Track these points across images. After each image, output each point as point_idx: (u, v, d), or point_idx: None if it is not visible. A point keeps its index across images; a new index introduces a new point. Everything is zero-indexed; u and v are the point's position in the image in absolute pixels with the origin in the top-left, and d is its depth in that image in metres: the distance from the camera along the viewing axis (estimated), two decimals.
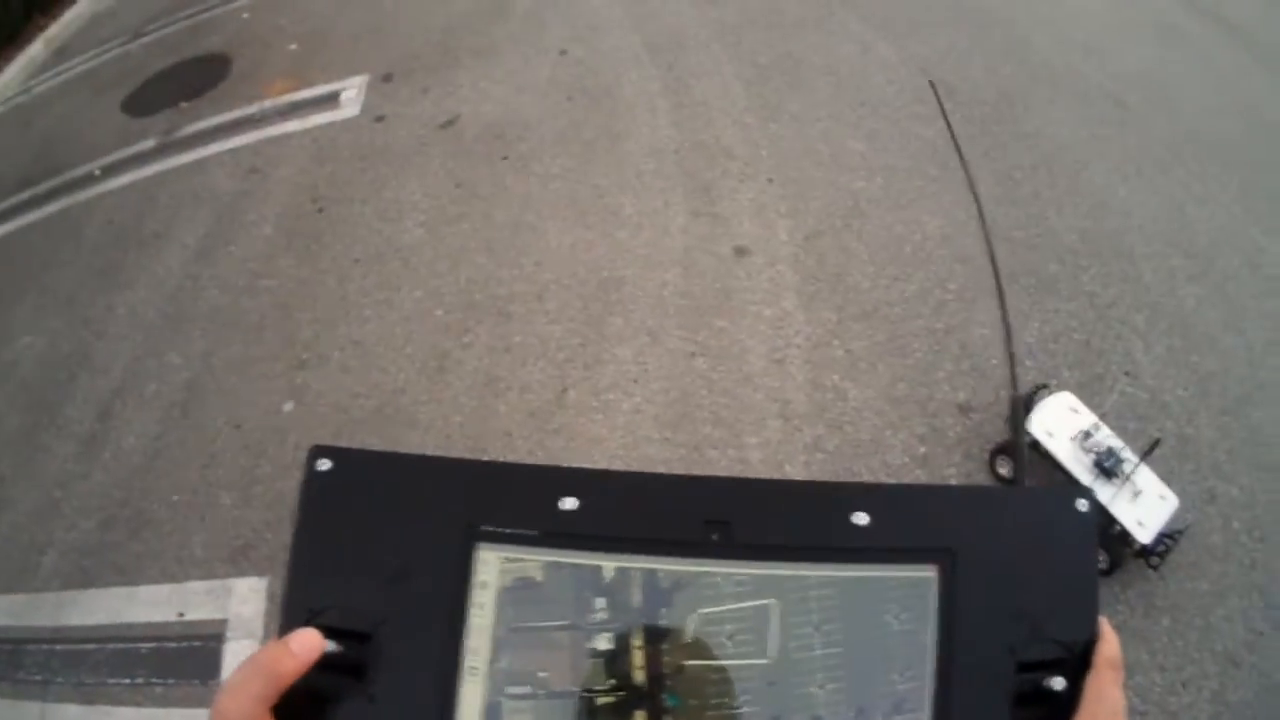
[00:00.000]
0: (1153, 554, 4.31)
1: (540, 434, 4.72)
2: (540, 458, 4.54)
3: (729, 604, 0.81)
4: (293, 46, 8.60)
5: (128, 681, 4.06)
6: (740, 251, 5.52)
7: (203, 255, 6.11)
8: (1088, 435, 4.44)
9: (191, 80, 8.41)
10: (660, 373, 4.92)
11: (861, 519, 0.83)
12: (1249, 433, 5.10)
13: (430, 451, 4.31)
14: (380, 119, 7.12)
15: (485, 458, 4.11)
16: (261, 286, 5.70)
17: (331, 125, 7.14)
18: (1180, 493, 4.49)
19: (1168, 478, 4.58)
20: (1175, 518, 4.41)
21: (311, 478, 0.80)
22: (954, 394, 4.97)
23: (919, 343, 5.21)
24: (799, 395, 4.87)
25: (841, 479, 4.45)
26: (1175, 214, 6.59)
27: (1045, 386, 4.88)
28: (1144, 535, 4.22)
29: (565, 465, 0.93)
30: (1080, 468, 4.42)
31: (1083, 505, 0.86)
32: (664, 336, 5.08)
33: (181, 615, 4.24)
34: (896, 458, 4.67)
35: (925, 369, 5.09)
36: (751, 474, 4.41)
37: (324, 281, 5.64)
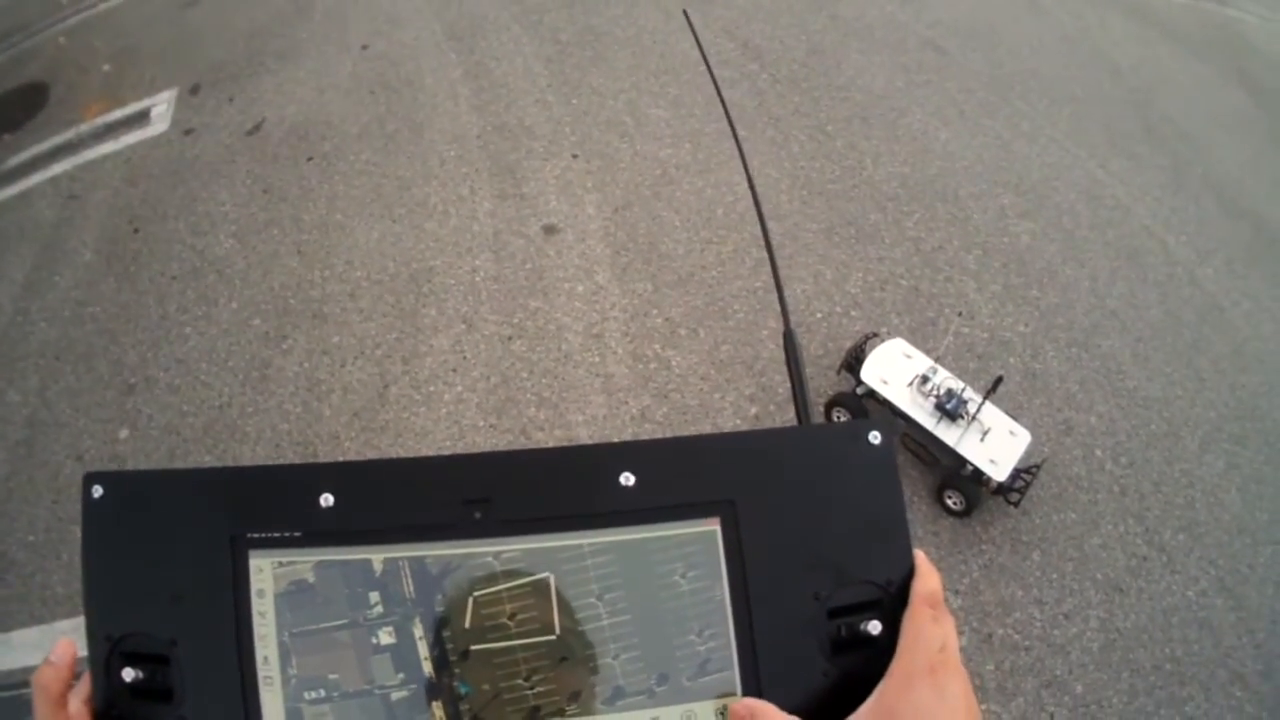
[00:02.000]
0: (1011, 490, 4.39)
1: (366, 433, 4.74)
2: (369, 457, 4.52)
3: (503, 583, 0.80)
4: (106, 68, 8.42)
5: None
6: (549, 230, 5.58)
7: (30, 289, 6.03)
8: (925, 380, 4.50)
9: (12, 112, 8.24)
10: (479, 359, 4.97)
11: (629, 479, 0.82)
12: (1101, 362, 5.27)
13: (260, 461, 4.39)
14: (189, 132, 7.07)
15: (310, 461, 4.12)
16: (87, 314, 5.67)
17: (143, 143, 7.07)
18: (1032, 427, 4.61)
19: (1018, 413, 4.73)
20: (1030, 452, 4.49)
21: (88, 505, 0.79)
22: (779, 351, 4.93)
23: (739, 304, 5.28)
24: (620, 368, 4.94)
25: None
26: (1002, 153, 6.74)
27: (875, 335, 4.95)
28: (998, 473, 4.30)
29: (321, 461, 0.98)
30: (922, 412, 4.49)
31: (875, 437, 0.84)
32: (479, 323, 5.13)
33: None
34: (727, 420, 4.72)
35: (748, 329, 5.16)
36: None
37: (145, 303, 5.62)
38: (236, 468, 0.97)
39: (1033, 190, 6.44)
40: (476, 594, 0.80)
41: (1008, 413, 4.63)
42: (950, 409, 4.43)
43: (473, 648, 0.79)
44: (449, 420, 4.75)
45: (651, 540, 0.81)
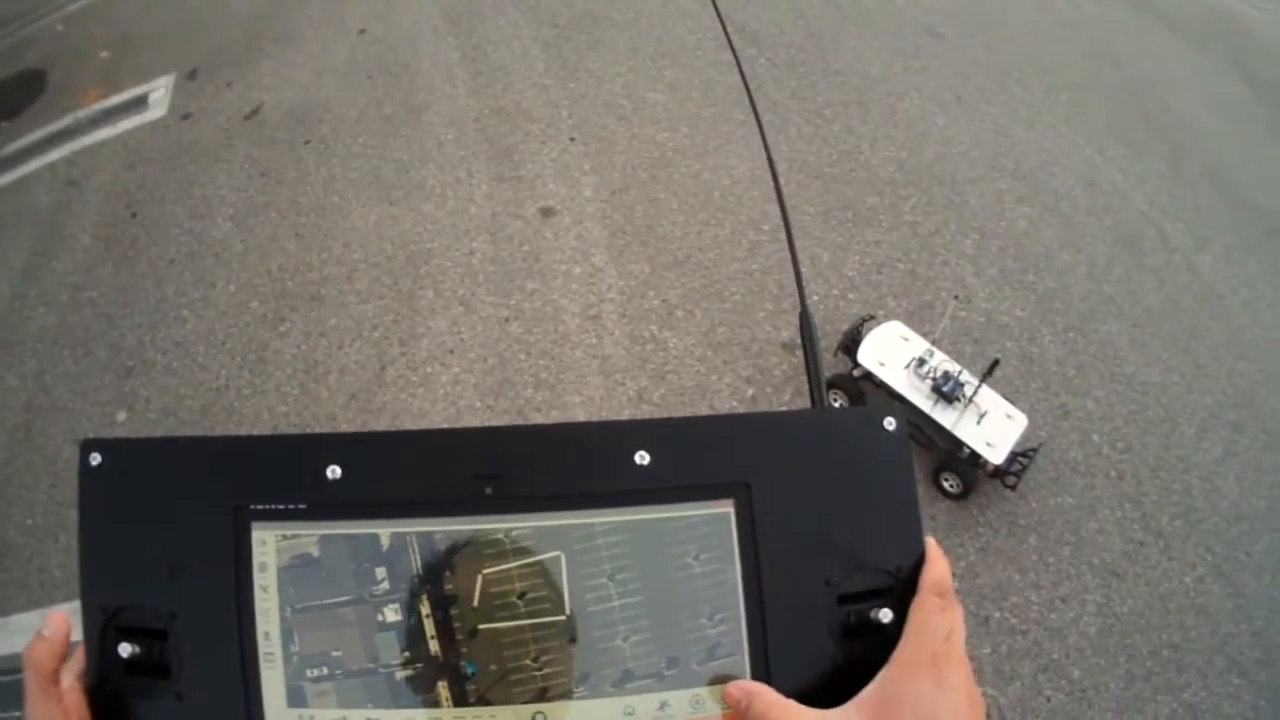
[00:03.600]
0: (1008, 474, 4.40)
1: (364, 414, 4.75)
2: None
3: (513, 561, 0.79)
4: (104, 54, 8.44)
5: (16, 715, 4.02)
6: (546, 212, 5.60)
7: (28, 275, 6.03)
8: (922, 362, 4.51)
9: (10, 99, 8.25)
10: (476, 341, 4.98)
11: (644, 458, 0.81)
12: (1098, 346, 5.29)
13: None
14: (187, 117, 7.07)
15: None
16: (85, 299, 5.67)
17: (141, 128, 7.08)
18: (1029, 411, 4.63)
19: (1015, 397, 4.73)
20: (1026, 436, 4.50)
21: (85, 474, 0.77)
22: (776, 333, 5.08)
23: (736, 286, 5.30)
24: (617, 349, 4.95)
25: None
26: (999, 138, 6.76)
27: (872, 317, 4.95)
28: (995, 455, 4.31)
29: (328, 432, 0.96)
30: (919, 395, 4.50)
31: (890, 424, 0.84)
32: (476, 304, 5.14)
33: None
34: (724, 401, 4.76)
35: (744, 311, 5.18)
36: None
37: (143, 286, 5.62)
38: (240, 437, 0.84)
39: (1030, 176, 6.46)
40: (486, 571, 0.78)
41: (1005, 396, 4.64)
42: (947, 391, 4.43)
43: (481, 626, 0.78)
44: (446, 402, 4.75)
45: (665, 521, 0.80)
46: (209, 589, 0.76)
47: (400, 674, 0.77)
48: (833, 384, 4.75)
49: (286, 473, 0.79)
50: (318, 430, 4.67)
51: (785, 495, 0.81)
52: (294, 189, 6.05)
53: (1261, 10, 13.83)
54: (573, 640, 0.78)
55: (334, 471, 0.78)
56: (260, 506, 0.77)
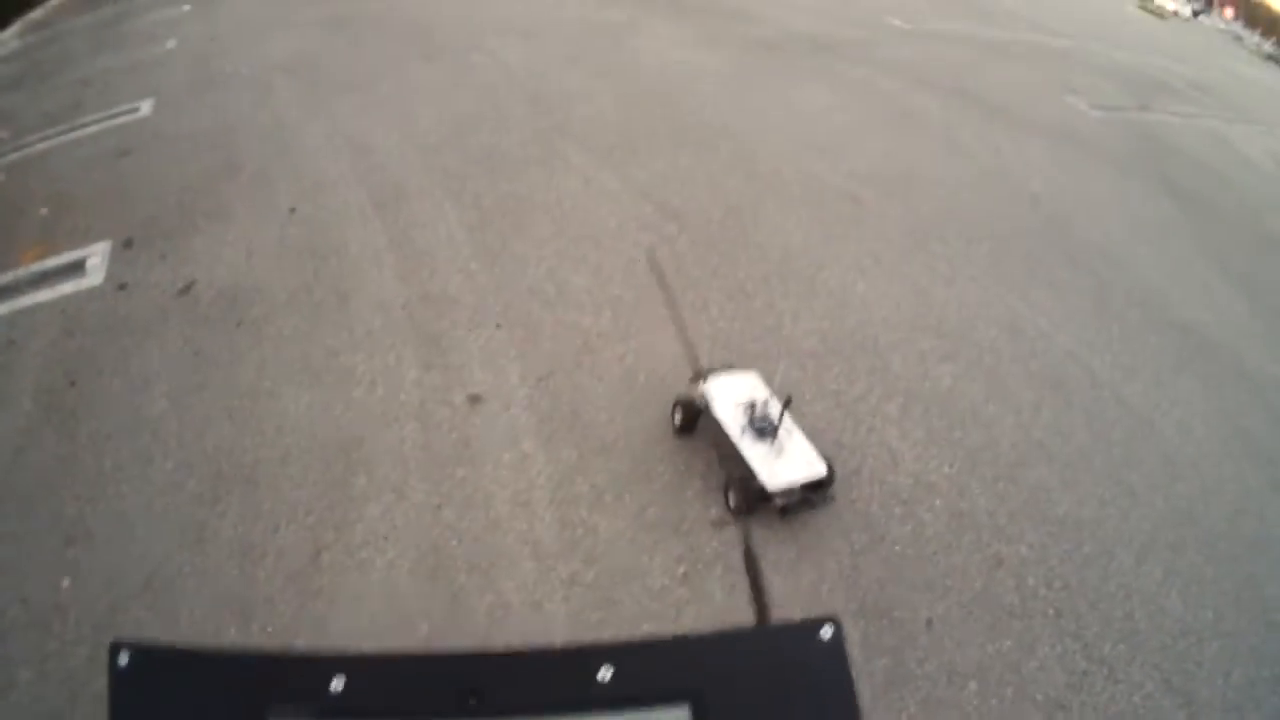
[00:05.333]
0: (787, 503, 4.95)
1: (301, 597, 4.84)
2: (304, 621, 4.64)
3: None
4: (43, 211, 8.59)
5: None
6: (474, 399, 5.82)
7: None
8: (752, 404, 5.23)
9: None
10: (409, 527, 5.14)
11: (606, 673, 0.89)
12: (1029, 493, 5.58)
13: (200, 625, 4.55)
14: (123, 287, 7.22)
15: (253, 627, 4.39)
16: (28, 461, 5.73)
17: (79, 294, 7.22)
18: (963, 562, 5.01)
19: (945, 553, 5.10)
20: (827, 486, 5.02)
21: (114, 675, 0.83)
22: (705, 510, 5.25)
23: (663, 466, 5.51)
24: (548, 534, 5.12)
25: (602, 609, 4.68)
26: (920, 298, 7.16)
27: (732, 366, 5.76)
28: (771, 480, 4.91)
29: (333, 648, 1.06)
30: (734, 426, 5.18)
31: (826, 633, 0.92)
32: (409, 491, 5.32)
33: None
34: (656, 580, 4.90)
35: (673, 490, 5.38)
36: (512, 616, 4.61)
37: (83, 457, 5.69)
38: (256, 650, 0.94)
39: (953, 332, 6.84)
40: None
41: (940, 550, 5.08)
42: (759, 427, 5.09)
43: None
44: (381, 586, 4.88)
45: None
46: None
47: None
48: (678, 402, 5.50)
49: (298, 683, 0.88)
50: (257, 612, 4.76)
51: (735, 699, 0.90)
52: (227, 371, 6.20)
53: (1185, 118, 14.72)
54: None
55: (338, 683, 0.88)
56: (277, 713, 0.86)
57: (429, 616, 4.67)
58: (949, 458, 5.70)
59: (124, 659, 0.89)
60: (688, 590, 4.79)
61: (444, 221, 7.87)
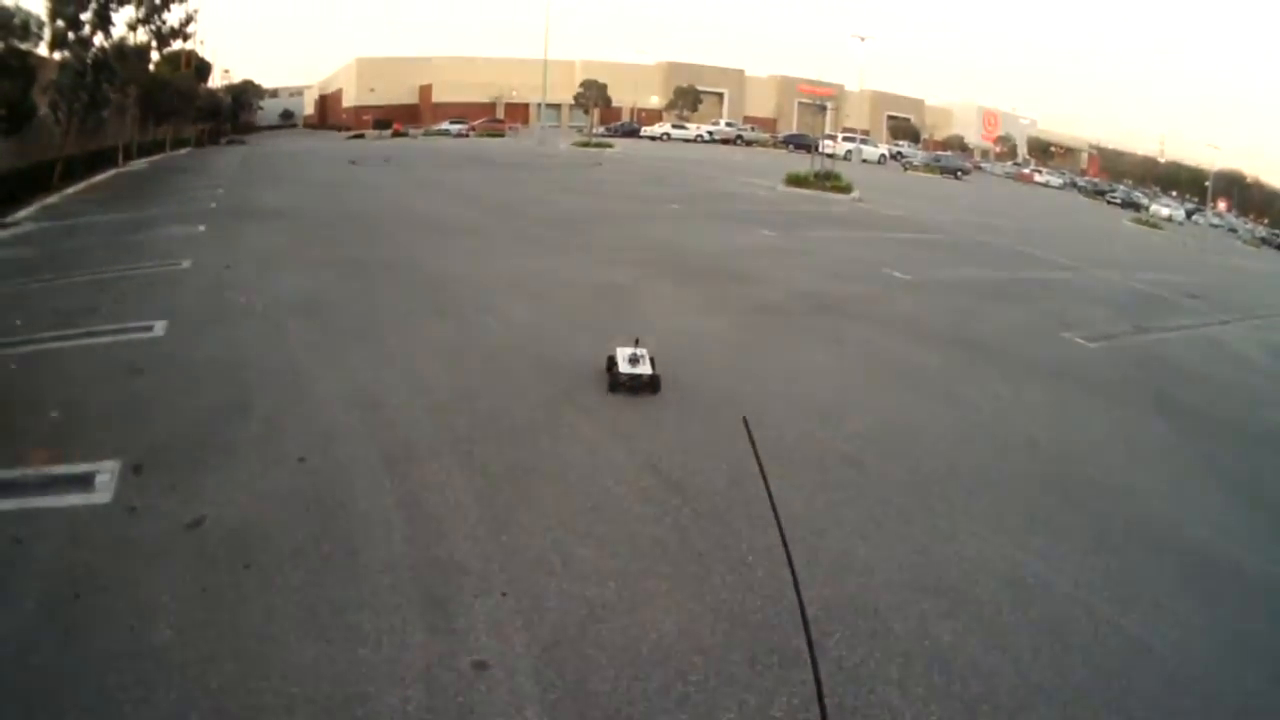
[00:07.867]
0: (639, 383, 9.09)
1: None
2: None
3: None
4: (54, 414, 8.76)
5: None
6: (479, 666, 5.80)
7: None
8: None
9: None
10: None
11: None
12: None
13: None
14: (132, 510, 7.29)
15: None
16: (31, 664, 5.63)
17: (87, 508, 7.29)
18: None
19: None
20: None
21: None
22: None
23: None
24: None
25: None
26: (920, 558, 7.30)
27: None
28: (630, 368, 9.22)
29: None
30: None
31: None
32: None
33: None
34: None
35: None
36: None
37: (85, 674, 5.57)
38: None
39: (952, 589, 6.91)
40: None
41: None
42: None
43: None
44: None
45: None
46: None
47: None
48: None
49: None
50: None
51: None
52: (234, 611, 6.18)
53: (1179, 330, 15.48)
54: None
55: None
56: None
57: None
58: (948, 712, 5.67)
59: None
60: None
61: (451, 486, 8.03)
